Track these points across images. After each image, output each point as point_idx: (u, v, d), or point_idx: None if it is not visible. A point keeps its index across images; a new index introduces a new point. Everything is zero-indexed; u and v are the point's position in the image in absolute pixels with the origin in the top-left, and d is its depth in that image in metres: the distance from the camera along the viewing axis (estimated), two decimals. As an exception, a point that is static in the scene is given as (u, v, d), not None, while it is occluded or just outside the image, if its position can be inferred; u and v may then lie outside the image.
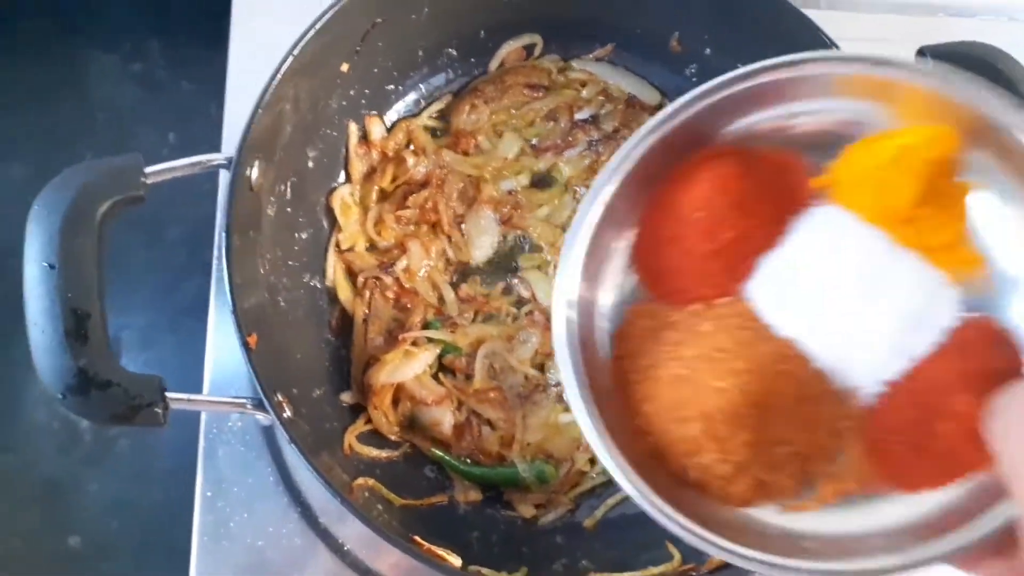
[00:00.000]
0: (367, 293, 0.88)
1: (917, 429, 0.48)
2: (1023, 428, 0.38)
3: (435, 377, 0.86)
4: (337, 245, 0.89)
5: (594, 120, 0.95)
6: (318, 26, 0.77)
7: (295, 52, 0.75)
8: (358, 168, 0.91)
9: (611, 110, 0.95)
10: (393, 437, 0.84)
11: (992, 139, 0.49)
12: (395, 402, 0.85)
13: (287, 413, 0.70)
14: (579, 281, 0.54)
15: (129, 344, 1.10)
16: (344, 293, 0.88)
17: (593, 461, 0.86)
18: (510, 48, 0.95)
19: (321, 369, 0.84)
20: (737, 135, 0.55)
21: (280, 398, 0.70)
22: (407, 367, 0.84)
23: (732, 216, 0.53)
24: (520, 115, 0.95)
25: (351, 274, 0.89)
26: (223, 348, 0.88)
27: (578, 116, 0.95)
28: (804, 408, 0.50)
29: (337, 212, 0.89)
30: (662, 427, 0.52)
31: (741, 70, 0.51)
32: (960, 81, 0.48)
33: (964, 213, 0.51)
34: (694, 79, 0.94)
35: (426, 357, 0.85)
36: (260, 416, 0.68)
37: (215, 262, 0.91)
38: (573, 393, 0.52)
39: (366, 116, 0.92)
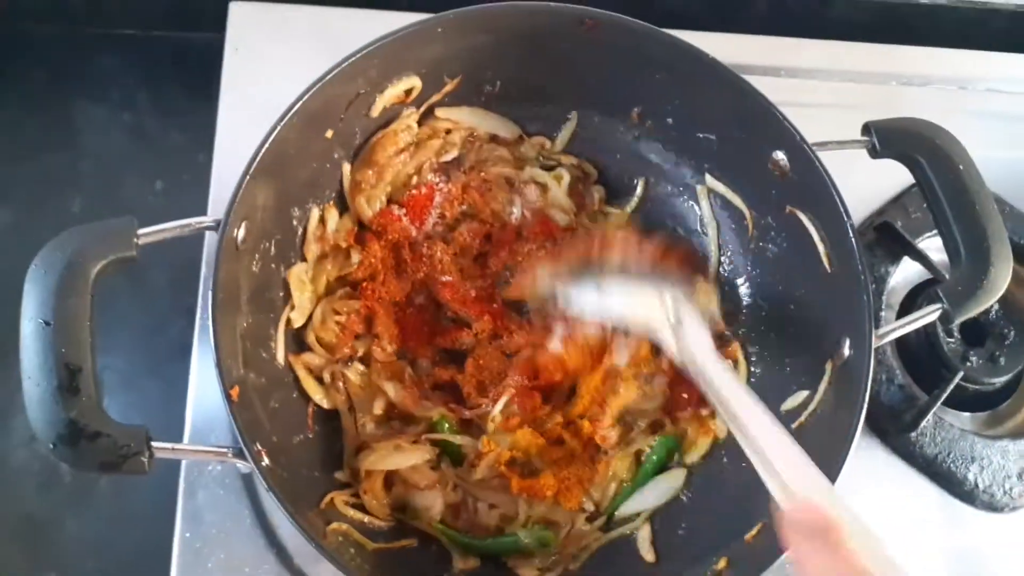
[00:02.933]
0: (340, 384, 0.89)
1: None
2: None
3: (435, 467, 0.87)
4: (288, 323, 0.88)
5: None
6: (314, 90, 0.79)
7: (288, 115, 0.78)
8: (313, 250, 0.90)
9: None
10: (383, 522, 0.84)
11: None
12: (388, 485, 0.85)
13: (265, 461, 0.73)
14: None
15: (111, 386, 1.11)
16: (316, 394, 0.88)
17: (591, 519, 0.88)
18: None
19: (300, 416, 0.87)
20: None
21: (259, 447, 0.73)
22: (399, 458, 0.85)
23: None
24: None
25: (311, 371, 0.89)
26: (205, 392, 0.91)
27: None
28: None
29: (293, 287, 0.88)
30: None
31: None
32: None
33: None
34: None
35: (420, 455, 0.85)
36: (240, 464, 0.72)
37: (199, 308, 0.94)
38: None
39: (324, 205, 0.92)
